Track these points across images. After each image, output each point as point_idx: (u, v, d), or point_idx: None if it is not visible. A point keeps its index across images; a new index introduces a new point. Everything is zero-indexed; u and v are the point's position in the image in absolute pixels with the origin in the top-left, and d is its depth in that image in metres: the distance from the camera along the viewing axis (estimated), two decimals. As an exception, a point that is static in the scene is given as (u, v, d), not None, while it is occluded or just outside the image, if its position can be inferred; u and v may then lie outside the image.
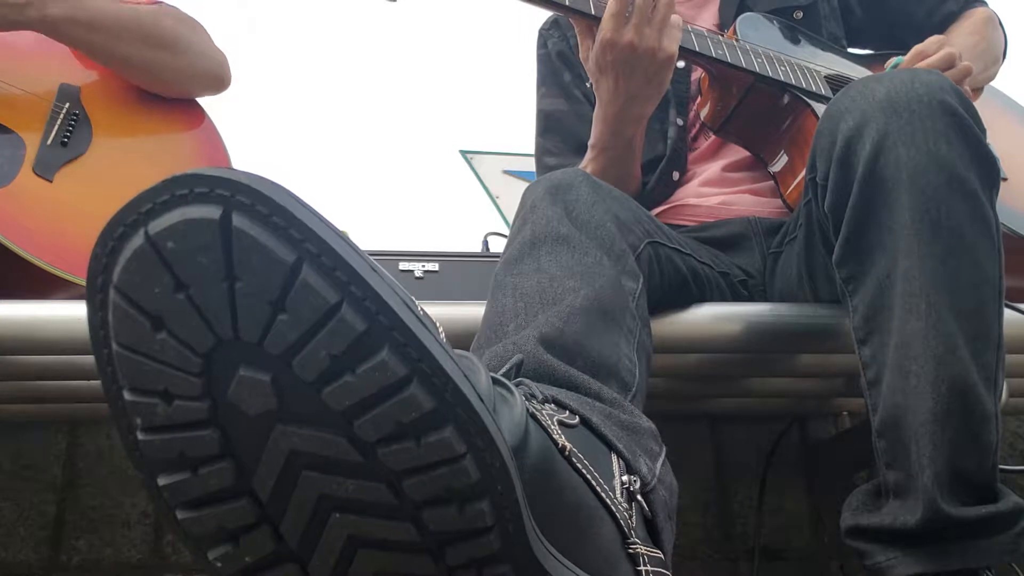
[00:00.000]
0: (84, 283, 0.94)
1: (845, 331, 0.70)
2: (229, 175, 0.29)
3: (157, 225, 0.29)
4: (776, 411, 1.05)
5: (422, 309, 0.33)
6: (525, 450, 0.38)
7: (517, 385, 0.46)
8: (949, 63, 0.91)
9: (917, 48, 0.93)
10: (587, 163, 0.93)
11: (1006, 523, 0.55)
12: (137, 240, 0.30)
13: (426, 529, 0.35)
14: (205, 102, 1.09)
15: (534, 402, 0.45)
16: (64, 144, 0.93)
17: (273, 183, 0.30)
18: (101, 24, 0.94)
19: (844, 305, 0.65)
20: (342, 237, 0.31)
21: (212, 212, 0.29)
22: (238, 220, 0.29)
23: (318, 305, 0.30)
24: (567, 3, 0.84)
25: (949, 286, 0.57)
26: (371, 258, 0.32)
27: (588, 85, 1.07)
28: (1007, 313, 0.61)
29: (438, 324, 0.34)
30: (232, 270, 0.30)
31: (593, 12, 0.84)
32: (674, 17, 0.84)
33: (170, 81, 1.02)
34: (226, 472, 0.34)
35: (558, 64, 1.09)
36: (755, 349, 0.80)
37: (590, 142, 0.92)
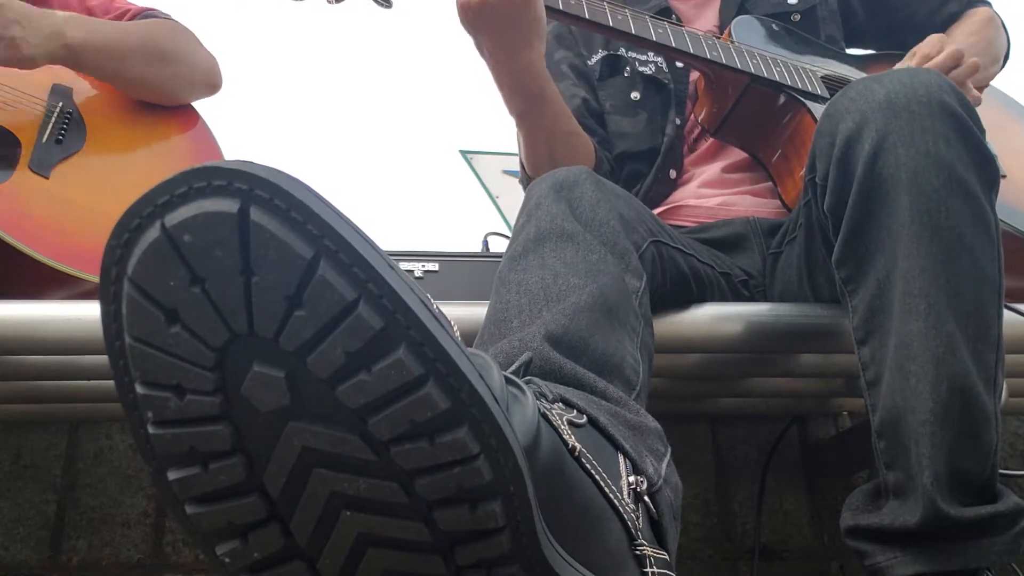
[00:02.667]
0: (84, 277, 0.94)
1: (845, 331, 0.70)
2: (248, 168, 0.29)
3: (174, 218, 0.29)
4: (776, 411, 1.05)
5: (438, 308, 0.33)
6: (537, 450, 0.38)
7: (527, 384, 0.46)
8: (955, 61, 0.90)
9: (921, 51, 0.92)
10: (517, 134, 0.91)
11: (1006, 523, 0.55)
12: (153, 232, 0.29)
13: (437, 529, 0.35)
14: (203, 100, 1.09)
15: (544, 401, 0.45)
16: (59, 142, 0.94)
17: (292, 177, 0.30)
18: (114, 48, 0.96)
19: (844, 305, 0.65)
20: (360, 233, 0.31)
21: (230, 205, 0.29)
22: (256, 214, 0.29)
23: (335, 302, 0.30)
24: None
25: (949, 287, 0.57)
26: (389, 256, 0.31)
27: (589, 63, 1.06)
28: (1006, 314, 0.61)
29: (454, 323, 0.34)
30: (249, 264, 0.29)
31: None
32: None
33: (168, 93, 1.04)
34: (237, 468, 0.34)
35: (553, 45, 1.08)
36: (755, 349, 0.80)
37: (509, 112, 0.89)
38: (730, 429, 1.06)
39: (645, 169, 1.00)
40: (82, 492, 0.97)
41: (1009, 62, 1.10)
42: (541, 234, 0.63)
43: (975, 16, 1.09)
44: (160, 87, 1.02)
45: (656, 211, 0.99)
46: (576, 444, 0.42)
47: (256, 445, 0.34)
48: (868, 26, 1.14)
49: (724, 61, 0.92)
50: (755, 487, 1.00)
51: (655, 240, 0.73)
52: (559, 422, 0.42)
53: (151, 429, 0.33)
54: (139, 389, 0.32)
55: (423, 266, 1.15)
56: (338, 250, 0.29)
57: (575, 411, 0.46)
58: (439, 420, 0.32)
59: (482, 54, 0.85)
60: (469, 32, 0.82)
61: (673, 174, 1.00)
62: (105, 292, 0.31)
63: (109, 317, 0.32)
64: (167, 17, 1.06)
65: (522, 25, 0.80)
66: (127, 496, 0.97)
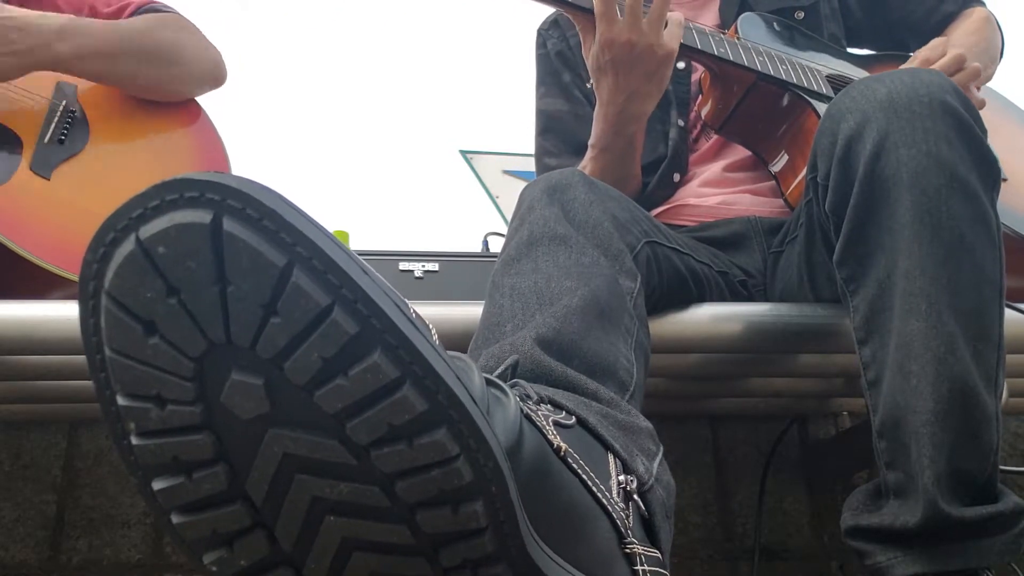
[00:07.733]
0: (82, 284, 0.93)
1: (845, 331, 0.69)
2: (219, 179, 0.29)
3: (148, 230, 0.29)
4: (776, 411, 1.04)
5: (414, 311, 0.33)
6: (519, 451, 0.38)
7: (512, 386, 0.46)
8: (958, 66, 0.90)
9: (922, 55, 0.92)
10: (587, 163, 0.92)
11: (1006, 523, 0.55)
12: (128, 246, 0.30)
13: (420, 531, 0.35)
14: (203, 99, 1.09)
15: (529, 403, 0.45)
16: (61, 142, 0.93)
17: (263, 186, 0.30)
18: (105, 52, 0.95)
19: (844, 305, 0.64)
20: (333, 240, 0.31)
21: (202, 216, 0.29)
22: (229, 224, 0.29)
23: (310, 308, 0.30)
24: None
25: (950, 287, 0.57)
26: (363, 260, 0.31)
27: (588, 86, 1.07)
28: (1007, 313, 0.61)
29: (431, 326, 0.34)
30: (223, 274, 0.29)
31: (591, 7, 0.84)
32: (674, 14, 0.84)
33: (171, 91, 1.04)
34: (220, 476, 0.34)
35: (557, 64, 1.09)
36: (755, 349, 0.80)
37: (590, 141, 0.92)
38: (730, 429, 1.05)
39: (649, 178, 1.00)
40: (82, 492, 0.98)
41: (1004, 61, 1.10)
42: (534, 238, 0.63)
43: (972, 16, 1.09)
44: (161, 87, 1.02)
45: (656, 211, 0.99)
46: (562, 444, 0.42)
47: (238, 453, 0.34)
48: (865, 25, 1.13)
49: (731, 58, 0.92)
50: (755, 487, 1.00)
51: (650, 240, 0.73)
52: (543, 423, 0.42)
53: (134, 440, 0.33)
54: (120, 401, 0.32)
55: (423, 266, 1.15)
56: (311, 257, 0.29)
57: (563, 412, 0.46)
58: (417, 422, 0.32)
59: (598, 88, 0.87)
60: (597, 68, 0.85)
61: (676, 177, 1.00)
62: (84, 306, 0.32)
63: (89, 330, 0.32)
64: (170, 10, 1.05)
65: (652, 77, 0.83)
66: (127, 496, 0.98)
